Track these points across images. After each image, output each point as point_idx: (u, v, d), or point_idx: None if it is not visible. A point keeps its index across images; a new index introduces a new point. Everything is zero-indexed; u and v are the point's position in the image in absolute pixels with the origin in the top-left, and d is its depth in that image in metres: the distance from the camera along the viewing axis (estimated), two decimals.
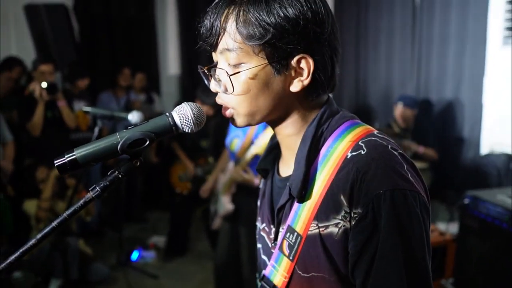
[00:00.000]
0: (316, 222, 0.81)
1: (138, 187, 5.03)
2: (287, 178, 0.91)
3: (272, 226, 0.95)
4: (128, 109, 4.65)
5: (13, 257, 0.82)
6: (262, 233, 1.01)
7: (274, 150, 1.01)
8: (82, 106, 4.28)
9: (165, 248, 4.31)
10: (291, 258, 0.86)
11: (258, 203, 1.09)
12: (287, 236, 0.87)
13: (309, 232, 0.82)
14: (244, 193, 2.68)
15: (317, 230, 0.81)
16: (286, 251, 0.87)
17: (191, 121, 0.84)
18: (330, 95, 0.92)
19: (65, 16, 4.38)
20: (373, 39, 4.71)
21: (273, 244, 0.93)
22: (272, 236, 0.94)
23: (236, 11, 0.80)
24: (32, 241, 0.83)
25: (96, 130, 2.36)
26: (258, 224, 1.06)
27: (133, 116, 2.27)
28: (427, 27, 4.16)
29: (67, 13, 4.41)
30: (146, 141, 0.82)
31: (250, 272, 2.69)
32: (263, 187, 1.07)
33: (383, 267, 0.73)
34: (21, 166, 3.81)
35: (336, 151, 0.82)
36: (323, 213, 0.80)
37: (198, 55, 5.81)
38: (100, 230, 4.64)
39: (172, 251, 4.26)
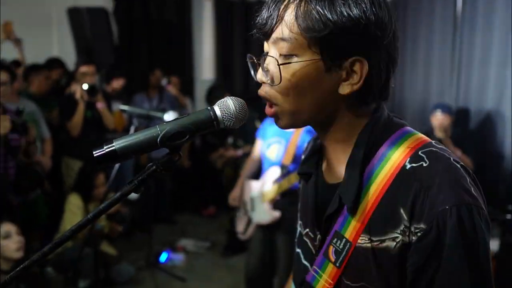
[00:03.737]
0: (369, 236, 0.78)
1: (168, 188, 5.06)
2: (335, 185, 0.86)
3: (317, 233, 0.91)
4: (161, 109, 4.70)
5: (46, 247, 0.81)
6: (305, 238, 0.97)
7: (316, 152, 0.97)
8: (118, 107, 4.38)
9: (224, 245, 4.36)
10: (337, 265, 0.83)
11: (299, 206, 1.05)
12: (334, 241, 0.84)
13: (358, 244, 0.79)
14: (286, 200, 2.61)
15: (369, 244, 0.78)
16: (333, 257, 0.84)
17: (233, 115, 0.81)
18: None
19: (105, 20, 4.50)
20: (412, 43, 4.61)
21: (317, 251, 0.90)
22: (317, 243, 0.90)
23: (297, 1, 0.77)
24: (67, 233, 0.82)
25: (132, 129, 2.39)
26: (300, 228, 1.02)
27: (169, 116, 2.28)
28: (469, 35, 4.06)
29: (107, 17, 4.53)
30: (187, 135, 0.80)
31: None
32: (303, 190, 1.03)
33: (449, 283, 0.71)
34: (58, 164, 3.90)
35: (390, 160, 0.79)
36: (378, 226, 0.77)
37: (233, 61, 5.85)
38: (129, 230, 4.69)
39: (232, 248, 4.28)
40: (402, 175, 0.76)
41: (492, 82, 3.89)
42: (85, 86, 3.58)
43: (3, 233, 2.40)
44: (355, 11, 0.74)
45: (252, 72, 0.87)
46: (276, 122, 0.85)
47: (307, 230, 0.96)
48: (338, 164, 0.87)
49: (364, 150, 0.81)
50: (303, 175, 1.01)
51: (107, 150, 0.80)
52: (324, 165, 0.94)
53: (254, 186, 2.80)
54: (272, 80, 0.81)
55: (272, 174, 2.64)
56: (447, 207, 0.70)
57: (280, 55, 0.79)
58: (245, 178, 2.96)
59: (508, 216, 2.59)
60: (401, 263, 0.75)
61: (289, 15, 0.77)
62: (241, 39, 5.83)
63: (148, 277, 3.79)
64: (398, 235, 0.74)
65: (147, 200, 4.49)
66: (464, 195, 0.71)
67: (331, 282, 0.84)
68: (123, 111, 2.81)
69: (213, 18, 5.99)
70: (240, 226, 2.96)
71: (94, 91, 3.63)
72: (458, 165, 0.75)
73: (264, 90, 0.84)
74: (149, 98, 4.84)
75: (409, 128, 0.84)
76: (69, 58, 4.55)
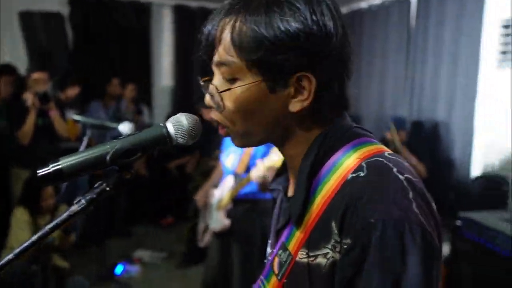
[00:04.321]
0: (306, 251, 0.74)
1: (122, 199, 4.93)
2: (290, 198, 0.84)
3: (272, 249, 0.89)
4: (117, 118, 4.60)
5: None
6: (269, 257, 0.93)
7: (286, 171, 0.94)
8: (72, 115, 4.24)
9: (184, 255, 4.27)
10: (279, 277, 0.80)
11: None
12: (280, 253, 0.81)
13: (298, 259, 0.76)
14: (239, 209, 2.61)
15: (306, 260, 0.73)
16: (276, 269, 0.81)
17: (186, 132, 0.80)
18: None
19: (60, 25, 4.36)
20: (367, 60, 4.75)
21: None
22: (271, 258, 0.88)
23: (233, 21, 0.73)
24: (10, 256, 0.77)
25: (85, 139, 2.31)
26: (268, 248, 0.99)
27: (124, 127, 2.22)
28: (422, 49, 4.21)
29: (62, 22, 4.38)
30: (138, 152, 0.78)
31: None
32: (275, 208, 1.01)
33: None
34: (6, 174, 3.71)
35: (338, 171, 0.73)
36: (314, 240, 0.72)
37: (193, 67, 5.80)
38: (83, 244, 4.51)
39: (190, 258, 4.20)
40: (342, 187, 0.70)
41: (443, 93, 4.04)
42: (37, 93, 3.44)
43: None
44: (294, 25, 0.70)
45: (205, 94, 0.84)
46: (232, 142, 0.84)
47: (269, 248, 0.95)
48: (295, 177, 0.83)
49: (313, 160, 0.76)
50: (273, 192, 0.98)
51: (52, 169, 0.76)
52: (289, 179, 0.92)
53: (215, 194, 2.81)
54: (219, 107, 0.79)
55: (227, 182, 2.66)
56: (372, 220, 0.63)
57: (224, 78, 0.77)
58: (210, 186, 2.96)
59: (458, 223, 2.68)
60: (331, 282, 0.68)
61: (226, 37, 0.74)
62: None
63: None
64: (328, 250, 0.69)
65: (99, 211, 4.36)
66: (394, 209, 0.63)
67: None
68: (76, 121, 2.72)
69: (172, 24, 5.92)
70: (199, 233, 2.98)
71: (46, 98, 3.49)
72: (402, 176, 0.68)
73: (213, 114, 0.82)
74: (105, 107, 4.72)
75: (370, 138, 0.78)
76: (22, 64, 4.37)
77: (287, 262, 0.78)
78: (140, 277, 4.03)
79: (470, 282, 2.57)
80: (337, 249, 0.68)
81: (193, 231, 4.21)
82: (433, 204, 0.70)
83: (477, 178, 3.52)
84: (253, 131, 0.79)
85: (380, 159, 0.71)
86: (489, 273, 2.45)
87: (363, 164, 0.70)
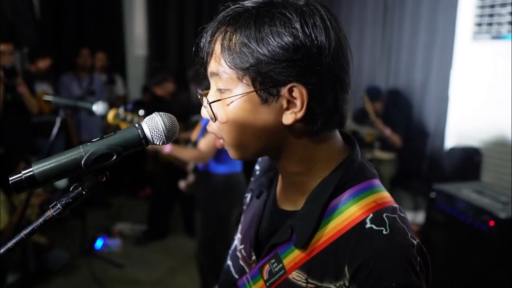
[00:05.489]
0: (306, 276, 0.76)
1: None
2: (288, 213, 0.84)
3: (253, 255, 0.89)
4: (90, 92, 4.48)
5: None
6: (238, 253, 0.96)
7: (270, 170, 0.95)
8: (44, 88, 4.10)
9: (146, 231, 4.27)
10: (267, 284, 0.83)
11: (242, 218, 1.03)
12: (272, 262, 0.83)
13: (293, 278, 0.78)
14: (196, 179, 2.82)
15: (304, 284, 0.76)
16: (266, 276, 0.83)
17: (163, 134, 0.77)
18: (356, 141, 0.85)
19: None
20: (345, 26, 4.70)
21: (248, 270, 0.89)
22: (252, 264, 0.89)
23: (223, 32, 0.73)
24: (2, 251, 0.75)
25: (58, 120, 2.24)
26: (236, 241, 1.01)
27: (98, 107, 2.16)
28: (398, 19, 4.19)
29: None
30: (113, 156, 0.75)
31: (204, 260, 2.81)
32: (250, 205, 1.01)
33: None
34: None
35: (349, 209, 0.75)
36: (318, 270, 0.75)
37: (166, 36, 5.66)
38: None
39: (153, 234, 4.23)
40: (359, 230, 0.73)
41: (419, 63, 4.06)
42: (3, 67, 3.29)
43: None
44: (285, 37, 0.69)
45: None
46: (229, 154, 0.83)
47: (242, 247, 0.95)
48: (296, 192, 0.84)
49: (333, 190, 0.78)
50: (253, 191, 0.99)
51: (25, 175, 0.73)
52: (278, 186, 0.91)
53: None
54: (211, 118, 0.78)
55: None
56: (393, 284, 0.68)
57: (217, 89, 0.76)
58: None
59: (433, 195, 2.75)
60: None
61: (217, 48, 0.74)
62: (175, 13, 5.63)
63: (83, 265, 3.68)
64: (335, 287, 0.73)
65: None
66: (412, 276, 0.69)
67: None
68: (47, 101, 2.63)
69: None
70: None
71: (13, 73, 3.35)
72: (415, 242, 0.72)
73: (209, 126, 0.82)
74: (78, 79, 4.58)
75: (377, 182, 0.81)
76: None
77: (279, 275, 0.80)
78: (120, 251, 4.05)
79: (442, 252, 2.66)
80: None
81: (153, 206, 4.27)
82: (429, 262, 0.75)
83: (451, 149, 3.59)
84: (247, 143, 0.78)
85: (398, 219, 0.74)
86: (461, 243, 2.54)
87: (385, 218, 0.73)
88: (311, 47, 0.70)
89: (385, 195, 0.78)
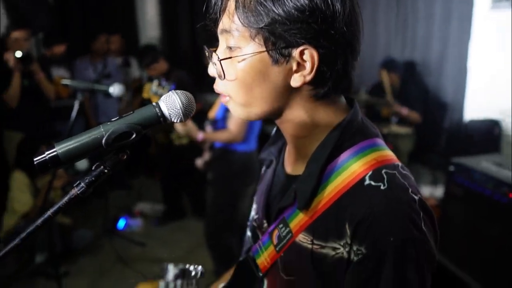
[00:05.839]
0: (311, 238, 0.77)
1: None
2: (294, 177, 0.85)
3: (264, 222, 0.91)
4: (105, 75, 4.51)
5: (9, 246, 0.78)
6: (253, 223, 0.99)
7: (279, 140, 0.96)
8: (60, 73, 4.15)
9: (165, 211, 4.32)
10: (277, 249, 0.84)
11: (257, 189, 1.05)
12: (280, 226, 0.84)
13: (299, 241, 0.79)
14: (212, 156, 2.84)
15: (310, 246, 0.77)
16: (275, 240, 0.85)
17: (180, 111, 0.78)
18: (356, 101, 0.85)
19: None
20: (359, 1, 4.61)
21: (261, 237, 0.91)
22: (264, 231, 0.91)
23: None
24: (16, 241, 0.79)
25: (77, 103, 2.27)
26: (253, 212, 1.03)
27: (114, 89, 2.19)
28: None
29: None
30: (133, 134, 0.77)
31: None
32: (264, 176, 1.03)
33: None
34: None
35: (349, 168, 0.76)
36: (322, 230, 0.76)
37: (178, 17, 5.63)
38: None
39: (172, 214, 4.28)
40: (358, 188, 0.74)
41: (436, 34, 3.97)
42: (18, 54, 3.32)
43: None
44: None
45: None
46: (232, 112, 0.83)
47: (257, 216, 0.97)
48: (299, 156, 0.85)
49: (330, 151, 0.78)
50: (263, 160, 1.01)
51: (48, 156, 0.75)
52: (286, 153, 0.93)
53: None
54: (220, 76, 0.79)
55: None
56: (392, 238, 0.68)
57: (227, 47, 0.76)
58: None
59: (451, 168, 2.73)
60: (337, 272, 0.74)
61: (231, 5, 0.74)
62: None
63: (106, 244, 3.77)
64: (339, 247, 0.73)
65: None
66: (412, 230, 0.69)
67: (269, 262, 0.86)
68: (65, 85, 2.66)
69: None
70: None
71: (29, 59, 3.39)
72: (416, 197, 0.73)
73: (216, 84, 0.82)
74: (92, 64, 4.61)
75: (379, 141, 0.81)
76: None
77: (287, 238, 0.82)
78: (142, 230, 4.13)
79: (461, 225, 2.65)
80: (347, 249, 0.72)
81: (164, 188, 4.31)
82: (435, 218, 0.75)
83: (470, 122, 3.54)
84: (253, 102, 0.78)
85: (397, 174, 0.75)
86: (480, 216, 2.52)
87: (384, 173, 0.73)
88: (326, 10, 0.70)
89: (387, 153, 0.78)
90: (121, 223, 4.14)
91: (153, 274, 3.27)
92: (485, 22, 3.47)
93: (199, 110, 4.69)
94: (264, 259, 0.87)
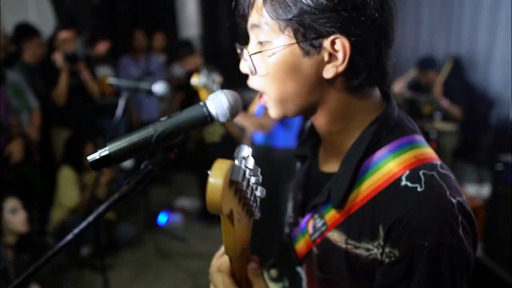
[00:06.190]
0: (346, 237, 0.76)
1: None
2: (329, 175, 0.83)
3: (300, 218, 0.91)
4: (148, 73, 4.59)
5: (50, 253, 0.81)
6: (290, 219, 0.99)
7: (313, 136, 0.94)
8: (105, 71, 4.27)
9: (199, 213, 4.33)
10: (312, 239, 0.84)
11: (293, 185, 1.05)
12: (315, 217, 0.84)
13: (334, 240, 0.78)
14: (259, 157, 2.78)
15: (344, 245, 0.76)
16: (310, 230, 0.85)
17: (227, 111, 0.79)
18: (392, 96, 0.82)
19: None
20: None
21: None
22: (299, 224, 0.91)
23: None
24: (69, 237, 0.82)
25: (122, 101, 2.34)
26: (289, 209, 1.03)
27: (158, 87, 2.23)
28: None
29: None
30: (181, 134, 0.79)
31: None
32: (298, 172, 1.02)
33: None
34: (47, 134, 3.84)
35: (386, 166, 0.73)
36: (355, 230, 0.74)
37: (218, 15, 5.68)
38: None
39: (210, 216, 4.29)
40: (394, 188, 0.71)
41: (484, 28, 3.83)
42: (66, 54, 3.46)
43: (10, 208, 2.49)
44: None
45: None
46: (269, 112, 0.83)
47: (293, 213, 0.98)
48: (334, 153, 0.83)
49: (365, 148, 0.76)
50: (299, 157, 1.00)
51: (101, 155, 0.78)
52: (321, 150, 0.92)
53: None
54: (251, 71, 0.78)
55: None
56: (426, 243, 0.65)
57: (258, 42, 0.76)
58: None
59: (499, 167, 2.62)
60: (370, 273, 0.72)
61: (259, 0, 0.73)
62: None
63: (148, 239, 3.87)
64: (373, 248, 0.71)
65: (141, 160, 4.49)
66: (448, 235, 0.66)
67: (305, 249, 0.86)
68: (113, 87, 2.74)
69: None
70: None
71: (75, 58, 3.52)
72: (454, 200, 0.69)
73: (250, 80, 0.81)
74: (135, 61, 4.71)
75: (418, 137, 0.78)
76: (48, 22, 4.37)
77: (321, 230, 0.81)
78: (182, 225, 4.21)
79: (509, 227, 2.55)
80: (379, 251, 0.70)
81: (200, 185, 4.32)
82: (475, 221, 0.71)
83: None
84: (288, 97, 0.77)
85: (436, 175, 0.71)
86: None
87: (421, 175, 0.70)
88: None
89: (427, 151, 0.75)
90: (163, 218, 4.24)
91: (192, 270, 3.33)
92: None
93: None
94: (300, 246, 0.88)
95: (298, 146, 1.00)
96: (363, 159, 0.76)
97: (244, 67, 0.80)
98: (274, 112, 0.81)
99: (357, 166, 0.76)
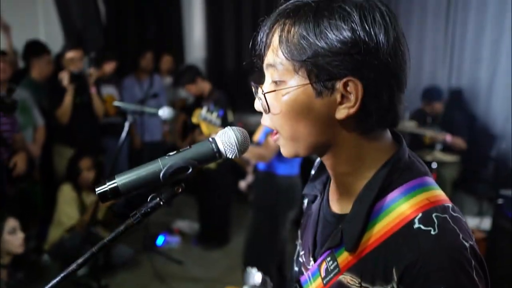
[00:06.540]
0: (359, 280, 0.76)
1: None
2: (341, 216, 0.84)
3: (311, 259, 0.91)
4: (152, 95, 4.62)
5: (54, 281, 0.81)
6: (300, 259, 0.98)
7: (322, 174, 0.95)
8: (109, 91, 4.32)
9: (198, 236, 4.31)
10: (324, 282, 0.83)
11: (301, 223, 1.05)
12: (328, 259, 0.83)
13: (347, 283, 0.78)
14: (255, 179, 2.87)
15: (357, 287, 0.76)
16: (323, 273, 0.84)
17: (236, 147, 0.81)
18: (402, 137, 0.83)
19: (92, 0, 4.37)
20: (404, 21, 4.55)
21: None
22: (310, 268, 0.90)
23: (282, 25, 0.74)
24: (72, 266, 0.82)
25: (127, 124, 2.36)
26: (298, 247, 1.02)
27: (164, 112, 2.26)
28: (462, 11, 4.01)
29: None
30: (189, 169, 0.80)
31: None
32: (307, 209, 1.02)
33: None
34: (49, 151, 3.86)
35: (398, 208, 0.74)
36: (369, 272, 0.74)
37: (224, 38, 5.75)
38: (124, 213, 4.70)
39: (208, 240, 4.24)
40: (407, 231, 0.71)
41: (485, 60, 3.88)
42: (72, 73, 3.52)
43: (9, 229, 2.49)
44: (343, 30, 0.69)
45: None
46: (281, 150, 0.84)
47: (303, 253, 0.97)
48: (345, 194, 0.84)
49: (378, 191, 0.76)
50: (308, 195, 1.00)
51: (109, 187, 0.79)
52: (331, 189, 0.91)
53: None
54: (265, 110, 0.80)
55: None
56: (442, 287, 0.66)
57: (272, 81, 0.78)
58: None
59: (500, 201, 2.63)
60: None
61: (275, 40, 0.75)
62: (233, 16, 5.72)
63: (145, 260, 3.84)
64: None
65: None
66: (463, 280, 0.67)
67: None
68: (117, 107, 2.77)
69: None
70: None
71: (80, 78, 3.56)
72: (467, 244, 0.69)
73: (263, 119, 0.83)
74: (139, 82, 4.75)
75: (429, 179, 0.79)
76: (57, 41, 4.44)
77: (334, 273, 0.81)
78: (180, 248, 4.18)
79: (509, 261, 2.54)
80: None
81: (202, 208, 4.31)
82: (485, 264, 0.72)
83: None
84: (300, 137, 0.78)
85: (448, 218, 0.72)
86: None
87: (434, 217, 0.71)
88: (369, 42, 0.69)
89: (438, 193, 0.76)
90: (160, 240, 4.21)
91: None
92: None
93: None
94: None
95: (308, 184, 1.00)
96: (375, 201, 0.77)
97: (258, 105, 0.82)
98: (286, 150, 0.82)
99: (369, 209, 0.76)
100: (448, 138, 3.75)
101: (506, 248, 2.56)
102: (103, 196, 0.79)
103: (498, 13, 3.68)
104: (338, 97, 0.73)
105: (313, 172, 1.03)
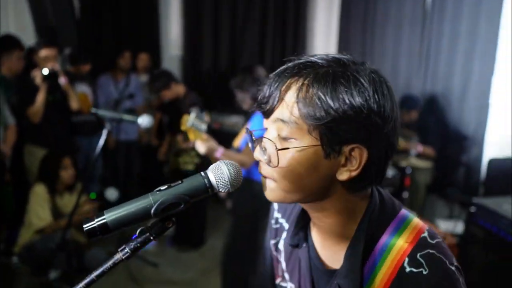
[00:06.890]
0: None
1: (135, 170, 4.96)
2: (333, 271, 0.86)
3: None
4: (128, 95, 4.53)
5: None
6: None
7: (301, 221, 0.95)
8: (83, 89, 4.21)
9: (173, 237, 4.26)
10: None
11: (283, 263, 1.03)
12: None
13: None
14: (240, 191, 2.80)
15: None
16: None
17: (228, 182, 0.80)
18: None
19: None
20: (381, 30, 4.62)
21: None
22: None
23: (299, 84, 0.75)
24: None
25: (105, 132, 2.30)
26: (284, 283, 1.02)
27: (143, 121, 2.21)
28: (438, 22, 4.09)
29: None
30: (181, 205, 0.78)
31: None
32: (292, 254, 1.00)
33: None
34: (21, 151, 3.73)
35: (390, 255, 0.79)
36: None
37: (202, 37, 5.69)
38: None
39: (184, 242, 4.20)
40: (402, 277, 0.76)
41: (459, 69, 3.96)
42: (45, 71, 3.39)
43: None
44: (358, 100, 0.73)
45: (250, 145, 0.86)
46: (266, 192, 0.84)
47: (292, 286, 0.98)
48: (337, 248, 0.86)
49: (365, 241, 0.80)
50: (286, 239, 1.01)
51: (98, 223, 0.77)
52: (316, 239, 0.92)
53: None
54: (270, 161, 0.80)
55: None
56: None
57: (279, 135, 0.78)
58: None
59: (472, 209, 2.70)
60: None
61: (291, 97, 0.76)
62: (210, 14, 5.66)
63: (120, 264, 3.77)
64: None
65: (115, 182, 4.41)
66: None
67: None
68: (95, 114, 2.70)
69: None
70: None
71: (55, 76, 3.45)
72: (453, 267, 0.77)
73: (263, 169, 0.83)
74: (114, 81, 4.65)
75: (404, 211, 0.85)
76: (28, 34, 4.28)
77: None
78: (155, 250, 4.14)
79: (480, 268, 2.62)
80: None
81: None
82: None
83: (492, 160, 3.50)
84: (297, 191, 0.80)
85: (431, 251, 0.78)
86: (500, 261, 2.49)
87: (419, 258, 0.76)
88: (379, 114, 0.74)
89: (413, 226, 0.82)
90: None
91: None
92: (509, 58, 3.46)
93: (216, 130, 4.72)
94: None
95: (292, 236, 0.97)
96: (366, 252, 0.80)
97: (259, 155, 0.82)
98: (273, 195, 0.83)
99: (363, 260, 0.79)
100: (419, 148, 3.85)
101: (478, 255, 2.64)
102: (92, 232, 0.77)
103: (472, 23, 3.76)
104: (342, 159, 0.76)
105: (278, 214, 1.07)
